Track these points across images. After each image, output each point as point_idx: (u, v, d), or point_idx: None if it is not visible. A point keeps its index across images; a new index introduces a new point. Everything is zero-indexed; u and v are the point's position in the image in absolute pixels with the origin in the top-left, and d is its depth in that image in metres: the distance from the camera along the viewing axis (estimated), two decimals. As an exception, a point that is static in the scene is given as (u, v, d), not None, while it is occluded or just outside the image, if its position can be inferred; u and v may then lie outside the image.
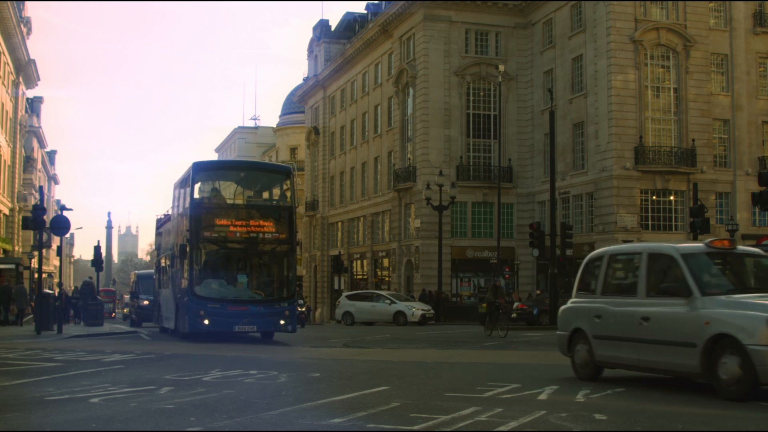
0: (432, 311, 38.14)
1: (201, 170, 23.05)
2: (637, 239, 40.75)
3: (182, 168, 30.45)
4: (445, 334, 27.59)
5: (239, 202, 24.29)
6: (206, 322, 20.85)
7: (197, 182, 22.47)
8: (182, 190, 23.56)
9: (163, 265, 28.07)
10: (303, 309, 34.26)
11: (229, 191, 24.61)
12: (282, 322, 21.73)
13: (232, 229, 21.69)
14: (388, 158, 53.33)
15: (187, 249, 21.46)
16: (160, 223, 29.91)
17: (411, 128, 49.18)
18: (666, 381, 11.57)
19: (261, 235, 21.91)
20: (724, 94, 43.59)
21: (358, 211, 58.08)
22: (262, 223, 21.94)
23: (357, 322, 37.99)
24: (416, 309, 37.08)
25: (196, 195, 22.20)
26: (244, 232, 21.77)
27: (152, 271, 35.61)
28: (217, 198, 23.16)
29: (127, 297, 74.94)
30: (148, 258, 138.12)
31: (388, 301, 38.23)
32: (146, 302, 36.01)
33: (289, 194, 23.14)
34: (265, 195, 24.77)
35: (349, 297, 40.65)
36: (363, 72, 58.70)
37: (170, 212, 27.02)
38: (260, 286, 22.61)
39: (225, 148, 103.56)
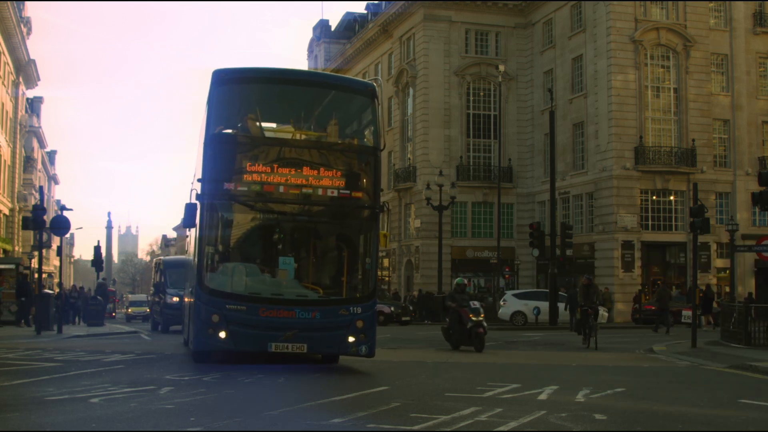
0: (608, 312, 35.88)
1: (225, 83, 13.88)
2: (637, 239, 40.87)
3: (182, 167, 27.70)
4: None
5: (287, 136, 14.73)
6: (222, 335, 12.80)
7: (217, 103, 13.73)
8: (202, 125, 14.68)
9: (187, 249, 20.58)
10: (481, 318, 19.46)
11: (272, 119, 15.75)
12: (351, 338, 13.15)
13: (273, 179, 13.28)
14: (388, 158, 53.28)
15: (197, 212, 13.48)
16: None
17: (411, 128, 49.18)
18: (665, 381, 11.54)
19: (322, 191, 13.37)
20: (724, 94, 43.59)
21: (358, 211, 57.90)
22: (324, 171, 13.45)
23: (530, 322, 34.38)
24: (603, 311, 32.90)
25: (215, 124, 13.75)
26: (294, 186, 13.28)
27: (184, 257, 28.68)
28: (251, 129, 14.20)
29: (127, 296, 74.71)
30: (147, 258, 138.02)
31: None
32: (176, 299, 27.15)
33: (370, 129, 14.41)
34: (332, 128, 14.62)
35: (517, 296, 36.42)
36: (363, 72, 58.66)
37: None
38: (317, 277, 14.19)
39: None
